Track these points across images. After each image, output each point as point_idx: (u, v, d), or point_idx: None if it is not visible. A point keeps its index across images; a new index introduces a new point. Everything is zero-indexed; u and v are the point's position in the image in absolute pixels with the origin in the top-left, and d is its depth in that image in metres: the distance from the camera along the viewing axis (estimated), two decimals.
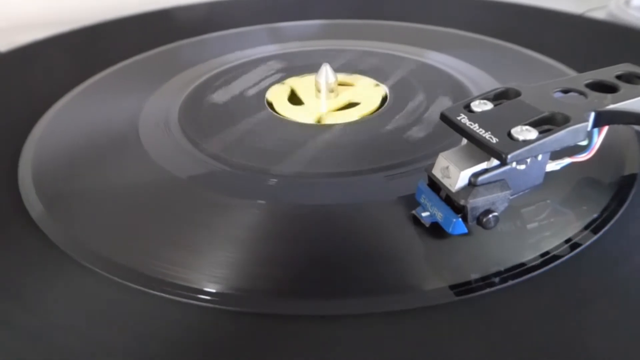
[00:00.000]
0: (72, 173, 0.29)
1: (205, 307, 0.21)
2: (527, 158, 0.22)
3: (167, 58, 0.43)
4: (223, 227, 0.24)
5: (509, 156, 0.20)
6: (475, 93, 0.34)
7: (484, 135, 0.22)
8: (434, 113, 0.32)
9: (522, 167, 0.22)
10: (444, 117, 0.23)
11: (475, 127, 0.22)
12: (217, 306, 0.21)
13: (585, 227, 0.24)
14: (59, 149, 0.31)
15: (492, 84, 0.36)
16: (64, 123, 0.33)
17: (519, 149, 0.21)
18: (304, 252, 0.23)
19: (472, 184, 0.22)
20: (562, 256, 0.22)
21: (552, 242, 0.23)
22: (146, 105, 0.34)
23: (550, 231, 0.24)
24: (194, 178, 0.27)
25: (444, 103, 0.33)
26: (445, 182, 0.23)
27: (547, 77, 0.37)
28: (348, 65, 0.38)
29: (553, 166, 0.24)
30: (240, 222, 0.24)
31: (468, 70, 0.38)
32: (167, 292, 0.21)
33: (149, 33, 0.49)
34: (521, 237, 0.23)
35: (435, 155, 0.23)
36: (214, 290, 0.21)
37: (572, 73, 0.37)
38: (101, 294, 0.22)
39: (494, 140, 0.21)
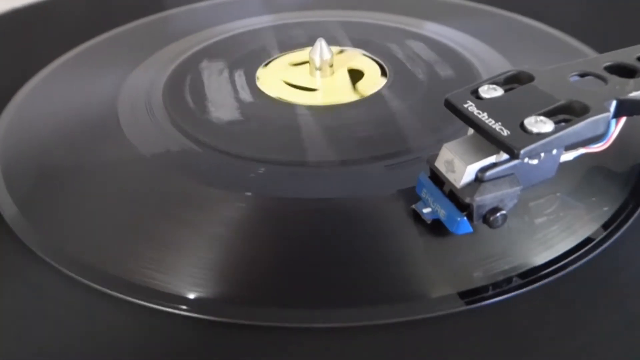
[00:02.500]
0: (46, 167, 0.26)
1: (179, 315, 0.19)
2: (541, 153, 0.20)
3: (151, 29, 0.40)
4: (204, 222, 0.22)
5: (522, 152, 0.18)
6: (481, 69, 0.32)
7: (493, 126, 0.19)
8: (437, 94, 0.29)
9: (535, 161, 0.20)
10: (448, 104, 0.21)
11: (484, 116, 0.20)
12: (192, 314, 0.19)
13: (603, 226, 0.22)
14: (31, 139, 0.28)
15: (497, 58, 0.34)
16: (35, 108, 0.31)
17: (532, 143, 0.19)
18: (290, 254, 0.21)
19: (478, 180, 0.20)
20: (580, 258, 0.21)
21: (568, 242, 0.21)
22: (127, 84, 0.31)
23: (565, 230, 0.22)
24: (175, 166, 0.25)
25: (447, 82, 0.31)
26: (450, 176, 0.21)
27: (558, 53, 0.35)
28: (344, 38, 0.36)
29: (566, 156, 0.22)
30: (223, 216, 0.22)
31: (471, 43, 0.36)
32: (140, 298, 0.20)
33: (133, 2, 0.45)
34: (533, 236, 0.22)
35: (440, 142, 0.21)
36: (189, 297, 0.20)
37: (585, 49, 0.35)
38: (72, 298, 0.20)
39: (505, 132, 0.19)
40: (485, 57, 0.34)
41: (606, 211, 0.23)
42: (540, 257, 0.21)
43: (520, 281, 0.20)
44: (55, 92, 0.32)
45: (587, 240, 0.21)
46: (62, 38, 0.39)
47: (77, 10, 0.45)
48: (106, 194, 0.24)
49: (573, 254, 0.21)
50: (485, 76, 0.31)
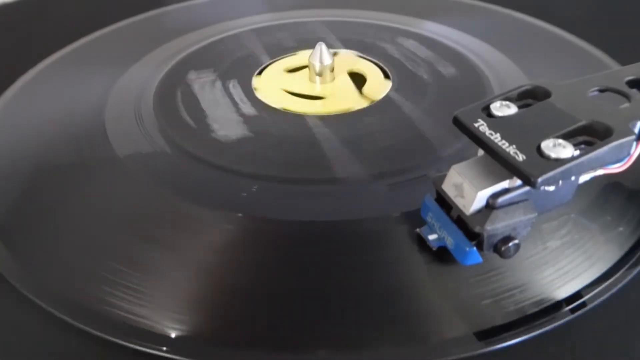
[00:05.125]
0: (27, 190, 0.24)
1: (154, 356, 0.18)
2: (560, 180, 0.18)
3: (143, 28, 0.38)
4: (189, 248, 0.21)
5: (539, 180, 0.17)
6: (491, 76, 0.30)
7: (507, 150, 0.18)
8: (445, 105, 0.28)
9: (552, 188, 0.19)
10: (457, 122, 0.20)
11: (496, 138, 0.18)
12: (169, 355, 0.17)
13: (627, 252, 0.20)
14: (10, 152, 0.26)
15: (503, 60, 0.32)
16: (17, 117, 0.29)
17: (551, 170, 0.17)
18: (279, 286, 0.19)
19: (490, 206, 0.18)
20: (605, 291, 0.19)
21: (591, 272, 0.20)
22: (115, 89, 0.30)
23: (587, 258, 0.20)
24: (162, 182, 0.23)
25: (456, 92, 0.29)
26: (458, 202, 0.19)
27: (572, 59, 0.33)
28: (341, 39, 0.33)
29: (582, 177, 0.21)
30: (210, 241, 0.21)
31: (476, 45, 0.34)
32: (112, 335, 0.18)
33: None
34: (550, 265, 0.20)
35: (449, 157, 0.20)
36: (168, 335, 0.18)
37: (603, 57, 0.33)
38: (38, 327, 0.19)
39: (520, 157, 0.17)
40: (493, 60, 0.32)
41: (631, 236, 0.21)
42: (561, 290, 0.19)
43: (542, 318, 0.18)
44: (39, 98, 0.30)
45: (612, 269, 0.20)
46: (51, 36, 0.37)
47: (69, 5, 0.43)
48: (86, 215, 0.23)
49: (596, 286, 0.19)
50: (492, 81, 0.30)
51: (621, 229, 0.22)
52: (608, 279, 0.20)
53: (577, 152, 0.18)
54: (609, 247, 0.21)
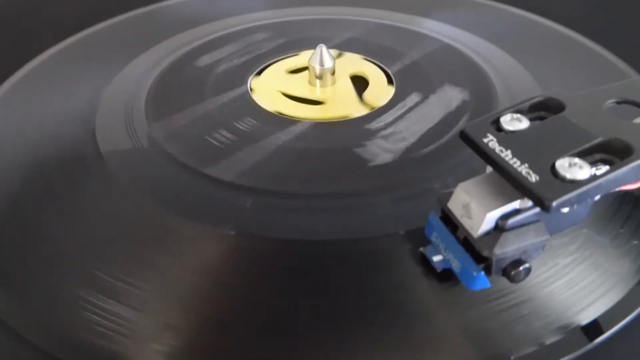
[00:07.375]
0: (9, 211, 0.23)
1: None
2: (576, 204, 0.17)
3: (134, 27, 0.36)
4: (171, 268, 0.19)
5: (554, 204, 0.16)
6: (500, 82, 0.29)
7: (519, 169, 0.17)
8: (452, 112, 0.26)
9: (566, 210, 0.17)
10: (465, 138, 0.18)
11: (507, 155, 0.17)
12: None
13: None
14: None
15: (513, 65, 0.31)
16: (6, 117, 0.27)
17: (566, 193, 0.16)
18: (275, 310, 0.18)
19: (499, 228, 0.17)
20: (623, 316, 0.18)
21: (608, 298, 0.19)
22: (105, 97, 0.28)
23: (604, 284, 0.19)
24: (149, 196, 0.22)
25: (462, 99, 0.27)
26: (465, 222, 0.18)
27: (587, 64, 0.32)
28: (341, 39, 0.32)
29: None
30: (197, 261, 0.20)
31: (481, 46, 0.33)
32: None
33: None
34: (566, 287, 0.19)
35: (459, 168, 0.19)
36: None
37: (618, 62, 0.31)
38: None
39: (533, 178, 0.16)
40: (502, 64, 0.31)
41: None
42: (577, 316, 0.18)
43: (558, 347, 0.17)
44: (23, 105, 0.29)
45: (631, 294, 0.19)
46: (44, 33, 0.36)
47: (64, 2, 0.42)
48: (70, 230, 0.21)
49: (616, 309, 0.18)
50: (500, 87, 0.29)
51: (635, 242, 0.21)
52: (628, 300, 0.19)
53: (594, 172, 0.16)
54: (623, 262, 0.20)
